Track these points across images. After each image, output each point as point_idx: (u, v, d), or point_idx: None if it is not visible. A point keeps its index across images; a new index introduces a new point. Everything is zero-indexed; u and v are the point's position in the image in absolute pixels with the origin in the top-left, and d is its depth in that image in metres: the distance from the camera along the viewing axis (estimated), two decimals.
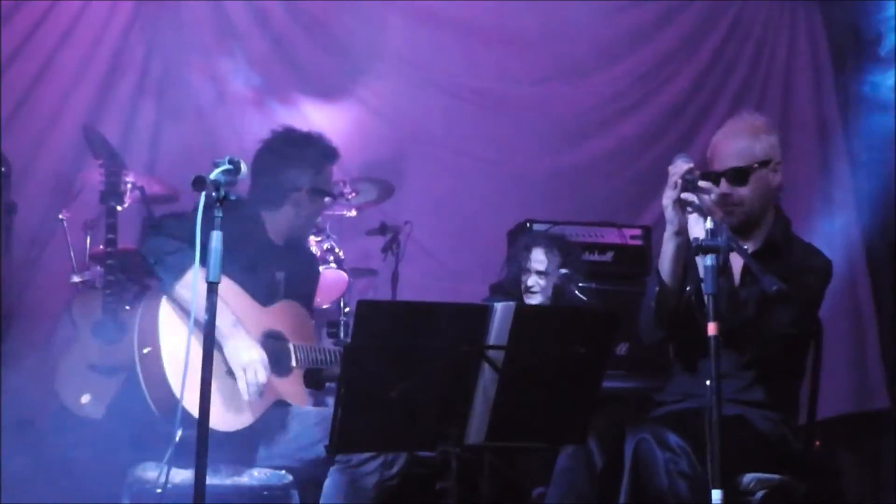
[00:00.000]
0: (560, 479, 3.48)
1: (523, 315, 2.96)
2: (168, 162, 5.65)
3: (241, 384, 3.47)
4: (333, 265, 5.44)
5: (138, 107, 5.58)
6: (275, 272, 3.89)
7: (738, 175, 3.61)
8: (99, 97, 5.49)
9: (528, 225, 5.47)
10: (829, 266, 3.69)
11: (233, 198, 3.06)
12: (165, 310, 3.53)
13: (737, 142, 3.66)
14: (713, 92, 6.76)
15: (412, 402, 2.91)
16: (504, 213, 5.92)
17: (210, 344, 3.00)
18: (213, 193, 3.00)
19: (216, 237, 2.98)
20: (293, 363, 3.76)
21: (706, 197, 3.31)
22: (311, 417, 3.72)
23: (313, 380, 3.88)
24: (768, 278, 2.99)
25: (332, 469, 3.55)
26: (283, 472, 3.64)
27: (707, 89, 6.77)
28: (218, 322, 3.30)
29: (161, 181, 5.41)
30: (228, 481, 3.57)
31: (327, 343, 4.92)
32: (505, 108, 6.52)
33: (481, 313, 2.93)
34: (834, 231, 6.58)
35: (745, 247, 3.47)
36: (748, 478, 3.46)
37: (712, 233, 3.08)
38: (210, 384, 3.01)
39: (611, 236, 5.64)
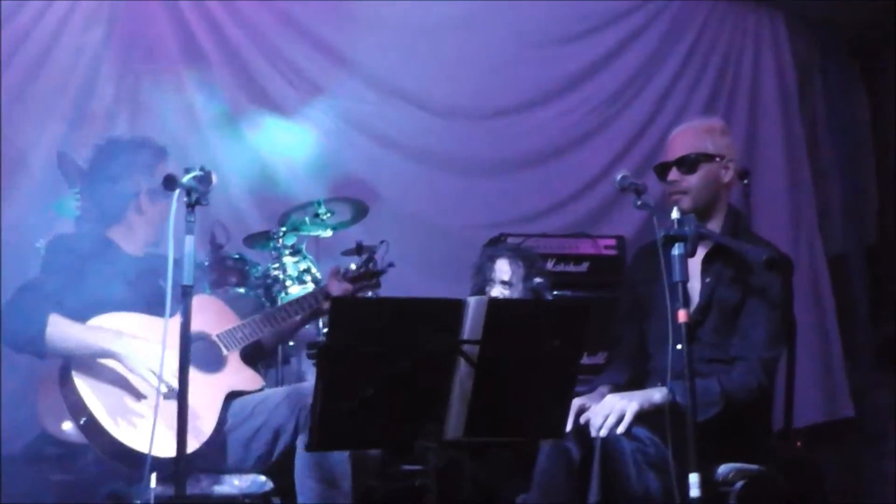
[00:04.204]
0: (539, 480, 3.48)
1: (496, 308, 2.96)
2: None
3: (155, 382, 3.43)
4: (311, 285, 5.45)
5: (113, 126, 5.57)
6: (156, 282, 3.80)
7: (687, 163, 3.74)
8: (72, 121, 5.48)
9: (502, 238, 5.52)
10: (787, 261, 3.76)
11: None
12: (77, 376, 3.49)
13: (690, 136, 3.83)
14: (677, 112, 6.82)
15: (389, 398, 2.91)
16: (479, 228, 5.96)
17: (186, 347, 3.03)
18: (185, 199, 3.04)
19: (189, 241, 3.02)
20: (224, 352, 3.75)
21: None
22: (274, 399, 3.71)
23: (252, 355, 3.92)
24: (753, 249, 3.07)
25: (299, 438, 3.56)
26: (264, 478, 3.64)
27: (669, 110, 6.83)
28: (100, 344, 3.44)
29: None
30: (209, 490, 3.56)
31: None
32: (476, 122, 6.59)
33: (455, 308, 2.93)
34: (799, 245, 6.69)
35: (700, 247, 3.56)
36: (725, 468, 3.49)
37: (679, 222, 3.15)
38: (187, 388, 3.05)
39: (585, 247, 5.70)
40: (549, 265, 5.50)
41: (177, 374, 3.22)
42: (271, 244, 5.33)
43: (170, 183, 3.04)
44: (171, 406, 3.17)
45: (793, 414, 4.08)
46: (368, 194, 5.85)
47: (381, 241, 5.82)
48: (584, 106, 6.76)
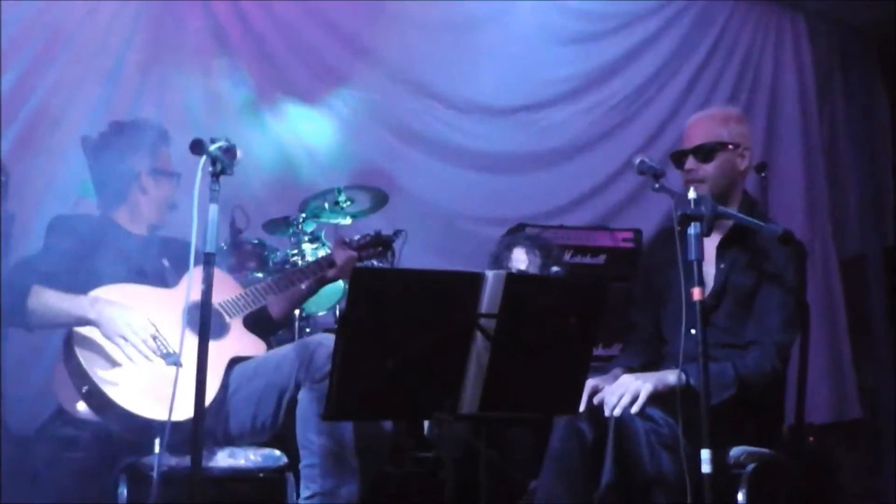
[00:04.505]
0: (552, 461, 3.50)
1: (514, 283, 2.98)
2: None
3: (129, 349, 3.48)
4: None
5: (139, 113, 5.61)
6: (159, 260, 3.90)
7: (703, 151, 3.78)
8: (97, 108, 5.52)
9: (520, 228, 5.56)
10: (801, 247, 3.78)
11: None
12: (77, 344, 3.52)
13: (707, 124, 3.87)
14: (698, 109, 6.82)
15: (406, 370, 2.93)
16: (500, 221, 5.99)
17: (207, 315, 3.06)
18: (210, 168, 3.08)
19: (213, 209, 3.06)
20: (227, 319, 3.78)
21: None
22: (274, 358, 3.74)
23: (262, 327, 3.94)
24: (769, 226, 3.10)
25: (301, 390, 3.58)
26: (279, 453, 3.67)
27: (689, 108, 6.84)
28: (75, 312, 3.49)
29: None
30: (224, 464, 3.58)
31: None
32: (497, 116, 6.61)
33: (473, 281, 2.95)
34: (813, 246, 6.71)
35: (714, 233, 3.59)
36: (737, 450, 3.51)
37: (696, 202, 3.18)
38: (206, 359, 3.07)
39: (603, 239, 5.74)
40: (567, 257, 5.54)
41: (174, 341, 3.35)
42: (291, 230, 5.35)
43: (196, 147, 3.09)
44: (172, 372, 3.23)
45: (805, 405, 4.09)
46: (389, 185, 5.86)
47: (399, 231, 5.87)
48: (607, 103, 6.82)
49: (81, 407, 3.73)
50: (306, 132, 6.14)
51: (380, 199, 5.72)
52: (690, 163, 3.80)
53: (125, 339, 3.49)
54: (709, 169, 3.77)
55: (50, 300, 3.54)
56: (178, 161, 4.03)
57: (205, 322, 3.06)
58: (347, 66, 6.30)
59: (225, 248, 5.22)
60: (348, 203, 5.50)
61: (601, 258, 5.69)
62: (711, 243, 3.72)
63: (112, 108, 5.46)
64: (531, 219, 6.02)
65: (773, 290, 3.65)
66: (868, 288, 6.97)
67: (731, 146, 3.80)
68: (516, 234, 5.29)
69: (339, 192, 5.39)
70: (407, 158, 6.40)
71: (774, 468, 3.58)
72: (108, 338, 3.50)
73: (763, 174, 5.44)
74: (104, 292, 3.62)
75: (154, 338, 3.53)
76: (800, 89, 7.04)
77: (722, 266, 3.73)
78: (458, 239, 6.35)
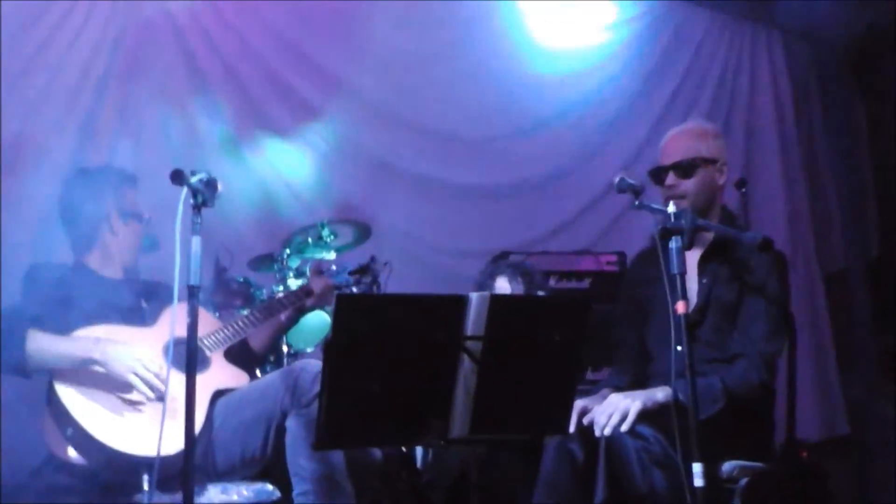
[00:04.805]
0: (544, 483, 3.49)
1: (498, 304, 2.99)
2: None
3: (142, 387, 3.52)
4: None
5: (117, 150, 5.60)
6: (138, 301, 3.94)
7: (683, 167, 3.80)
8: (76, 148, 5.51)
9: (505, 256, 5.56)
10: (781, 257, 3.80)
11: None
12: (59, 386, 3.56)
13: (685, 140, 3.88)
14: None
15: (394, 395, 2.93)
16: (481, 252, 5.99)
17: (193, 347, 3.05)
18: (192, 200, 3.10)
19: (196, 242, 3.06)
20: (207, 353, 3.80)
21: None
22: (259, 386, 3.76)
23: (238, 356, 3.95)
24: (749, 234, 3.12)
25: (288, 418, 3.59)
26: (272, 487, 3.66)
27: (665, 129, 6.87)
28: (79, 353, 3.54)
29: None
30: (217, 500, 3.58)
31: None
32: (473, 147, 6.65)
33: (457, 303, 2.96)
34: (795, 262, 6.73)
35: (695, 249, 3.62)
36: (729, 465, 3.51)
37: (676, 216, 3.20)
38: (194, 393, 3.07)
39: (587, 263, 5.74)
40: (552, 282, 5.54)
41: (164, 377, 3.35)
42: (276, 266, 5.33)
43: (176, 178, 3.12)
44: (155, 408, 3.27)
45: (795, 418, 4.08)
46: (369, 217, 5.88)
47: (384, 263, 5.87)
48: (586, 128, 6.82)
49: (72, 453, 3.74)
50: (285, 167, 6.15)
51: (363, 233, 5.72)
52: (671, 179, 3.81)
53: (136, 374, 3.51)
54: (689, 185, 3.79)
55: (50, 344, 3.58)
56: (156, 199, 4.05)
57: (191, 352, 3.06)
58: (323, 99, 6.28)
59: (208, 286, 5.21)
60: (332, 238, 5.50)
61: (586, 282, 5.68)
62: (693, 259, 3.73)
63: (89, 147, 5.45)
64: (517, 245, 6.02)
65: (757, 301, 3.66)
66: (852, 300, 6.98)
67: (709, 162, 3.82)
68: (499, 261, 5.30)
69: (323, 226, 5.38)
70: (386, 191, 6.39)
71: (768, 482, 3.58)
72: (119, 375, 3.53)
73: (743, 190, 5.47)
74: (88, 332, 3.65)
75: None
76: (777, 105, 7.07)
77: (704, 281, 3.75)
78: (441, 270, 6.35)
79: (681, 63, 6.98)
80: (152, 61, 5.78)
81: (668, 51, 6.97)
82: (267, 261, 5.47)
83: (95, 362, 3.54)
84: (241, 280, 5.37)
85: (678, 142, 3.88)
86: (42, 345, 3.57)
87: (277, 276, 5.32)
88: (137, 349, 3.57)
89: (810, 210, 7.10)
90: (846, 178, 7.32)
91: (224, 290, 5.30)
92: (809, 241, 6.96)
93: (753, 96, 7.08)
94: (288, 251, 5.34)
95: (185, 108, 5.82)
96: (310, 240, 5.38)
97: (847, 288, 6.99)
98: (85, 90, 5.60)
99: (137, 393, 3.53)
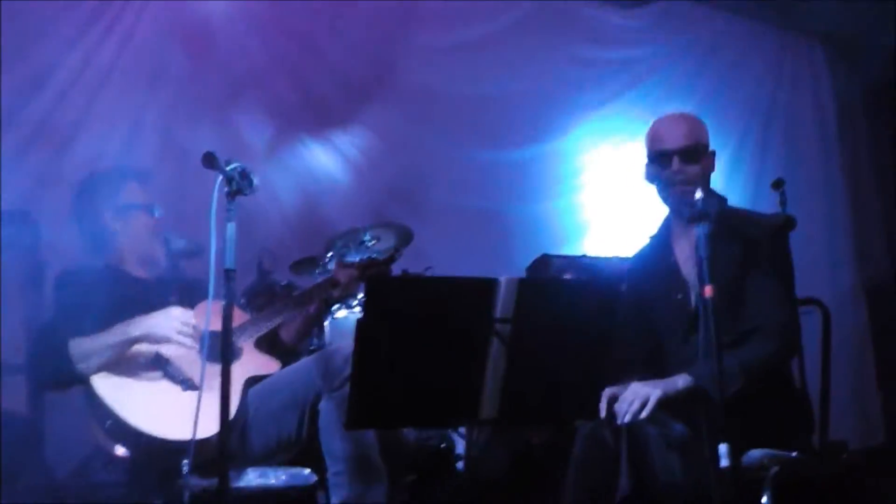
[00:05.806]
0: (575, 468, 3.51)
1: (528, 287, 3.02)
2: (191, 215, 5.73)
3: (188, 343, 3.63)
4: (358, 309, 5.52)
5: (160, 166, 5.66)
6: (166, 298, 3.95)
7: (691, 154, 3.76)
8: (120, 155, 5.60)
9: (545, 260, 5.59)
10: (779, 218, 3.81)
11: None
12: (94, 380, 3.63)
13: (689, 126, 3.82)
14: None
15: (424, 376, 2.97)
16: (521, 248, 6.04)
17: (228, 331, 3.11)
18: (227, 188, 3.16)
19: (231, 228, 3.11)
20: (239, 344, 3.86)
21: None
22: (292, 372, 3.82)
23: (268, 348, 3.99)
24: (770, 214, 3.13)
25: (322, 400, 3.65)
26: (308, 471, 3.71)
27: None
28: (119, 337, 3.63)
29: (185, 235, 5.50)
30: (254, 483, 3.63)
31: None
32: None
33: (488, 287, 2.98)
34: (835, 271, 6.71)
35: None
36: (757, 453, 3.49)
37: (703, 202, 3.22)
38: (229, 376, 3.11)
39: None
40: None
41: (193, 365, 3.46)
42: (318, 270, 5.40)
43: (207, 161, 3.14)
44: (193, 397, 3.30)
45: (829, 415, 4.03)
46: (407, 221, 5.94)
47: (427, 267, 5.89)
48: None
49: (116, 448, 3.82)
50: (323, 171, 6.22)
51: (405, 236, 5.75)
52: (676, 164, 3.75)
53: (180, 332, 3.61)
54: (696, 170, 3.75)
55: (88, 344, 3.64)
56: (200, 206, 4.12)
57: (226, 332, 3.10)
58: (362, 103, 6.37)
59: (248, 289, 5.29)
60: (374, 242, 5.54)
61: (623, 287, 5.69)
62: (690, 245, 3.73)
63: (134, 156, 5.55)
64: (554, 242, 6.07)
65: (759, 274, 3.63)
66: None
67: (708, 148, 3.82)
68: (539, 266, 5.32)
69: (365, 230, 5.44)
70: (425, 196, 6.45)
71: (801, 473, 3.54)
72: (165, 339, 3.63)
73: (781, 190, 5.45)
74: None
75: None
76: (818, 113, 7.06)
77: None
78: (482, 267, 6.38)
79: (715, 72, 6.99)
80: (184, 66, 5.87)
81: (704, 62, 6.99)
82: (308, 264, 5.52)
83: (137, 340, 3.62)
84: (285, 283, 5.43)
85: (683, 127, 3.81)
86: (84, 348, 3.63)
87: (319, 279, 5.38)
88: (169, 310, 3.66)
89: (852, 220, 7.06)
90: (892, 191, 7.27)
91: (267, 293, 5.37)
92: (850, 248, 6.91)
93: (794, 111, 7.06)
94: (330, 254, 5.40)
95: (227, 115, 5.91)
96: (351, 244, 5.43)
97: (888, 297, 6.92)
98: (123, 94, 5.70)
99: (164, 378, 3.60)
